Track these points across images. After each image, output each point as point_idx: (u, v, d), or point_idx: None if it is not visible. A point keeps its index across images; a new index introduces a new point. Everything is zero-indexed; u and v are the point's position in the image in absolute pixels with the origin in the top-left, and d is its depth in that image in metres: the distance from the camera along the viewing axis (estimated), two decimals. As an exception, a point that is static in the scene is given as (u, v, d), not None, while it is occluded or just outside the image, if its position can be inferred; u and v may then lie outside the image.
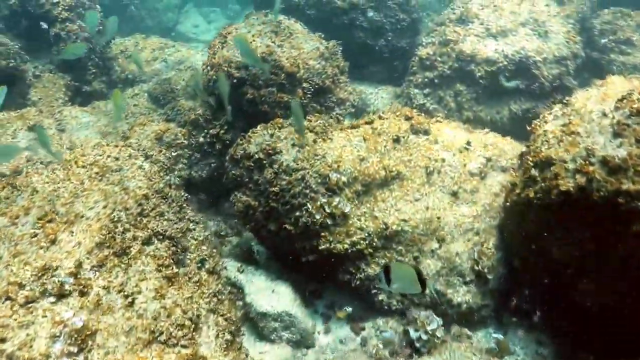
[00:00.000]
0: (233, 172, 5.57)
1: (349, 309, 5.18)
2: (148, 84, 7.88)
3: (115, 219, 4.25)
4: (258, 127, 5.65)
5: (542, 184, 4.32)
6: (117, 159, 5.04)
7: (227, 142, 6.41)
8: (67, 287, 3.65)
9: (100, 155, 5.00)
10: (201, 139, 6.57)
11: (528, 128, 5.14)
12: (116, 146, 5.25)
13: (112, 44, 8.92)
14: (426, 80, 7.32)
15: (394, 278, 3.56)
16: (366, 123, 5.67)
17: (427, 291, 3.83)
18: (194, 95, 7.39)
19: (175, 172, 6.65)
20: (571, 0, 8.27)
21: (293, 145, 5.34)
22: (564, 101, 5.09)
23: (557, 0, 7.98)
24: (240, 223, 5.99)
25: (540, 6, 7.89)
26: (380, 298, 5.02)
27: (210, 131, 6.50)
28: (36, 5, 7.84)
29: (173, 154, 6.63)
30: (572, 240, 4.27)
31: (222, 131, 6.46)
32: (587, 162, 4.02)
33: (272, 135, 5.44)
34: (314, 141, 5.38)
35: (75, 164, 4.82)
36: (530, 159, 4.68)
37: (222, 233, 6.42)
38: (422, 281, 3.52)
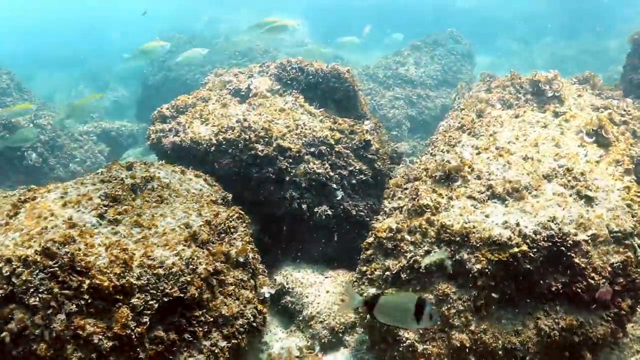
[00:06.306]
0: None
1: None
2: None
3: None
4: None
5: None
6: None
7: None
8: None
9: None
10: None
11: None
12: None
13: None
14: (387, 274, 4.20)
15: None
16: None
17: None
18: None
19: None
20: (616, 139, 5.43)
21: None
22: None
23: (592, 139, 5.14)
24: None
25: (571, 146, 5.02)
26: None
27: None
28: None
29: None
30: None
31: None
32: None
33: None
34: None
35: None
36: None
37: None
38: None
